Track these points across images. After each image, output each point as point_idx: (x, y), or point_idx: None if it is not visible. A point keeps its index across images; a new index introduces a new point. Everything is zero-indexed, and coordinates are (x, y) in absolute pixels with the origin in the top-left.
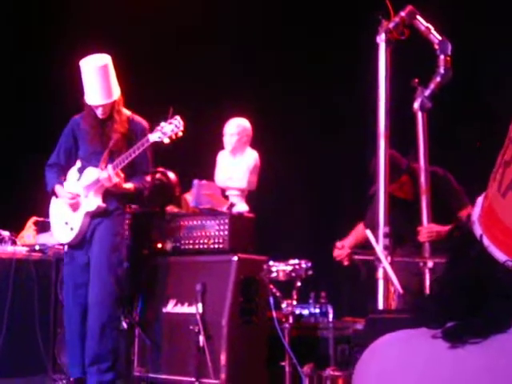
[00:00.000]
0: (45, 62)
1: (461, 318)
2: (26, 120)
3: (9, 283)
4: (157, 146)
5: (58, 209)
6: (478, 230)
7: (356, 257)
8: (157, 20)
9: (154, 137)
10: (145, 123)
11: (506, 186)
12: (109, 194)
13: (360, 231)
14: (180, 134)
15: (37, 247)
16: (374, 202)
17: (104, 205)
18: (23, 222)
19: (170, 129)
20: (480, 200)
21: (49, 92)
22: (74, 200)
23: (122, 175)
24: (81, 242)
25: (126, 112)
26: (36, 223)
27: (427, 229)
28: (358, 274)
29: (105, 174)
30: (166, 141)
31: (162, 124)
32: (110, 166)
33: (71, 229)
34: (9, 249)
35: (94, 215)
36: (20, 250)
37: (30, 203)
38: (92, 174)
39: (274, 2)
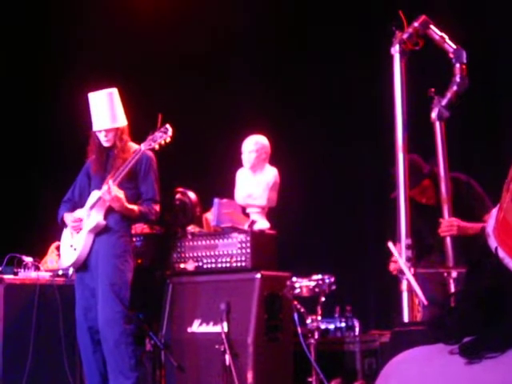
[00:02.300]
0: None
1: (477, 333)
2: (44, 144)
3: (33, 309)
4: (174, 166)
5: (65, 237)
6: (493, 243)
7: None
8: (169, 41)
9: (145, 145)
10: (150, 153)
11: None
12: (112, 211)
13: None
14: (168, 139)
15: (60, 272)
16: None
17: (104, 222)
18: (46, 247)
19: (159, 135)
20: (494, 212)
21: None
22: (77, 223)
23: (122, 192)
24: (86, 266)
25: (133, 145)
26: (58, 248)
27: (448, 222)
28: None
29: (105, 187)
30: (156, 147)
31: (152, 133)
32: (110, 180)
33: (74, 249)
34: (32, 274)
35: (96, 233)
36: (43, 275)
37: (51, 228)
38: (95, 195)
39: (289, 18)
